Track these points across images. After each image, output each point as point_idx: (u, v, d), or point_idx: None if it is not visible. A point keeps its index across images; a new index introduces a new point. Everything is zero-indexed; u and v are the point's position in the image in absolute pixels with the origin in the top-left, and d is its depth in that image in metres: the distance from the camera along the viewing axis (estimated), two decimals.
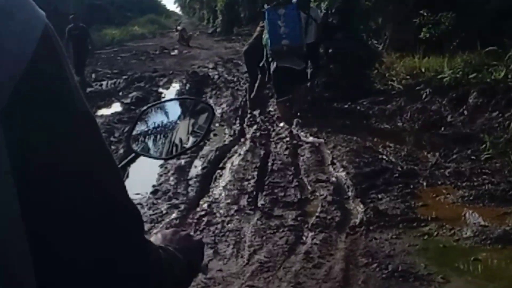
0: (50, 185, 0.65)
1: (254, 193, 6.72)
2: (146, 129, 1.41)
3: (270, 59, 9.97)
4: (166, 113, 1.44)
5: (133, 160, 1.36)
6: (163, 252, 0.90)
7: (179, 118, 1.45)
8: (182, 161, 7.96)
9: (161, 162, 7.92)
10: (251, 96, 11.34)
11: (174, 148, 1.41)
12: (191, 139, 1.44)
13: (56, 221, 0.65)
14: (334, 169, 7.45)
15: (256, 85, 11.34)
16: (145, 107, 1.41)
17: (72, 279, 0.68)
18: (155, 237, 1.09)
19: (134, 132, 1.38)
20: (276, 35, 9.65)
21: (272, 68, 9.97)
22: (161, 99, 12.14)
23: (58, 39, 0.69)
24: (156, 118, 1.43)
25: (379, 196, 6.39)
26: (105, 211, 0.70)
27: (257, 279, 4.81)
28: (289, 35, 9.65)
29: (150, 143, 1.40)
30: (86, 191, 0.68)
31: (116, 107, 12.52)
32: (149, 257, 0.79)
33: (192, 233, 1.17)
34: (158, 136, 1.41)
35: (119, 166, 1.35)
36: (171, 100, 1.53)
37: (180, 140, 1.42)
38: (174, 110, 1.46)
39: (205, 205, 6.41)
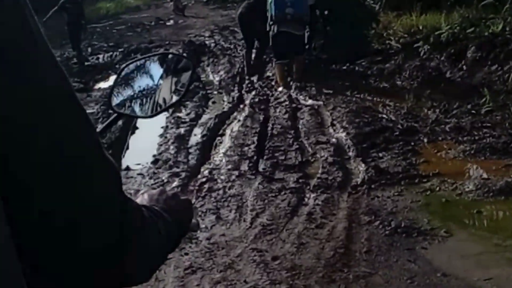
0: (18, 141, 0.63)
1: (255, 157, 6.70)
2: (128, 88, 1.35)
3: (271, 23, 9.93)
4: (148, 71, 1.38)
5: (116, 120, 1.32)
6: (147, 211, 0.88)
7: (161, 76, 1.39)
8: (182, 130, 7.94)
9: (160, 131, 7.93)
10: (251, 62, 11.24)
11: (157, 106, 1.36)
12: (174, 97, 1.39)
13: (27, 179, 0.64)
14: (334, 130, 7.42)
15: (255, 51, 11.25)
16: (124, 64, 1.35)
17: (50, 237, 0.67)
18: (142, 198, 1.07)
19: (115, 91, 1.33)
20: (281, 3, 9.63)
21: (273, 33, 9.93)
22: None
23: None
24: (138, 76, 1.37)
25: (380, 155, 6.38)
26: (78, 167, 0.68)
27: (260, 241, 4.82)
28: (294, 4, 9.66)
29: (132, 102, 1.35)
30: (56, 147, 0.66)
31: (114, 80, 12.45)
32: (128, 214, 0.76)
33: (179, 193, 1.14)
34: (140, 95, 1.36)
35: (103, 126, 1.33)
36: (150, 56, 1.46)
37: (163, 98, 1.37)
38: (156, 67, 1.40)
39: (206, 172, 6.40)
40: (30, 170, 0.64)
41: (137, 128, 8.48)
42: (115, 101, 1.32)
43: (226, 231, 5.08)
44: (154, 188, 1.26)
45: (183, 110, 8.97)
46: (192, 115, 8.65)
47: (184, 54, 11.30)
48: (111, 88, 1.32)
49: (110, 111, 1.36)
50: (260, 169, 6.38)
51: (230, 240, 4.91)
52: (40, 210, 0.65)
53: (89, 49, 15.26)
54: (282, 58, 10.08)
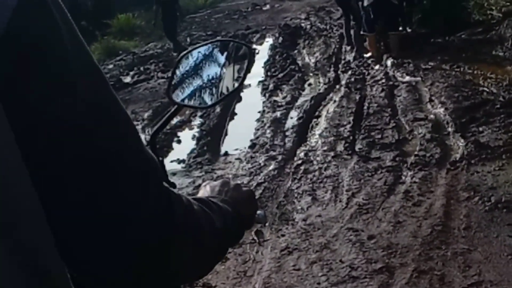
0: (50, 136, 0.63)
1: (351, 137, 6.66)
2: (187, 78, 1.33)
3: None
4: (206, 60, 1.35)
5: (176, 112, 1.31)
6: (200, 204, 0.86)
7: (220, 64, 1.36)
8: (278, 113, 8.00)
9: (257, 116, 8.03)
10: (350, 32, 11.26)
11: (217, 95, 1.34)
12: (233, 85, 1.36)
13: (63, 172, 0.64)
14: (432, 106, 7.25)
15: (353, 30, 11.25)
16: (181, 54, 1.32)
17: (86, 232, 0.67)
18: (204, 190, 1.08)
19: (174, 82, 1.30)
20: None
21: (366, 2, 9.91)
22: (255, 55, 12.22)
23: None
24: (196, 66, 1.34)
25: (480, 129, 6.17)
26: (115, 162, 0.68)
27: (356, 221, 4.82)
28: None
29: (192, 92, 1.32)
30: (87, 142, 0.65)
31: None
32: (172, 210, 0.75)
33: (241, 183, 1.14)
34: (200, 84, 1.33)
35: (164, 119, 1.31)
36: (206, 44, 1.42)
37: (223, 86, 1.34)
38: (214, 55, 1.37)
39: (302, 154, 6.43)
40: (64, 165, 0.64)
41: (235, 114, 8.63)
42: (175, 92, 1.29)
43: (322, 211, 5.10)
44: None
45: (279, 94, 9.04)
46: (288, 98, 8.69)
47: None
48: (170, 79, 1.29)
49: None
50: (356, 149, 6.34)
51: (326, 220, 4.93)
52: (76, 204, 0.65)
53: (188, 39, 15.59)
54: (373, 30, 10.07)
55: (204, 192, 1.07)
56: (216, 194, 1.03)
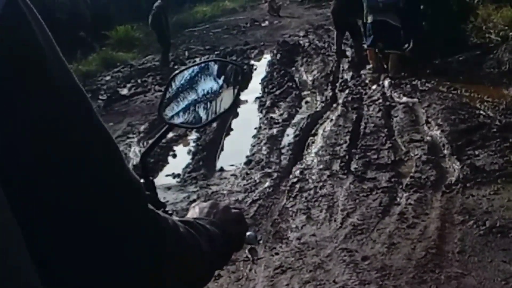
0: (35, 158, 0.62)
1: (347, 157, 6.66)
2: (179, 98, 1.33)
3: (366, 12, 10.08)
4: (198, 79, 1.35)
5: (167, 132, 1.33)
6: (187, 227, 0.86)
7: (212, 83, 1.36)
8: (274, 131, 8.00)
9: (253, 132, 8.03)
10: (341, 46, 11.67)
11: (208, 115, 1.34)
12: (225, 105, 1.35)
13: (46, 196, 0.62)
14: (428, 128, 7.26)
15: (353, 46, 11.46)
16: (173, 74, 1.32)
17: (70, 259, 0.66)
18: (192, 211, 1.07)
19: (166, 102, 1.30)
20: None
21: (368, 20, 10.04)
22: (252, 72, 12.27)
23: (29, 4, 0.65)
24: (188, 85, 1.34)
25: (476, 152, 6.19)
26: (97, 185, 0.66)
27: (350, 241, 4.81)
28: None
29: (183, 112, 1.32)
30: (73, 163, 0.64)
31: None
32: (157, 233, 0.74)
33: (230, 205, 1.14)
34: (192, 104, 1.33)
35: (155, 138, 1.32)
36: (199, 64, 1.42)
37: (215, 106, 1.34)
38: (206, 75, 1.37)
39: (297, 172, 6.42)
40: (49, 188, 0.62)
41: (231, 129, 8.63)
42: (166, 111, 1.30)
43: (316, 231, 5.09)
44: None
45: (276, 111, 9.04)
46: (285, 116, 8.70)
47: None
48: (161, 98, 1.30)
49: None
50: (352, 168, 6.34)
51: (320, 240, 4.91)
52: (61, 230, 0.64)
53: (186, 53, 15.60)
54: (373, 45, 10.29)
55: (192, 213, 1.06)
56: (205, 216, 1.03)
